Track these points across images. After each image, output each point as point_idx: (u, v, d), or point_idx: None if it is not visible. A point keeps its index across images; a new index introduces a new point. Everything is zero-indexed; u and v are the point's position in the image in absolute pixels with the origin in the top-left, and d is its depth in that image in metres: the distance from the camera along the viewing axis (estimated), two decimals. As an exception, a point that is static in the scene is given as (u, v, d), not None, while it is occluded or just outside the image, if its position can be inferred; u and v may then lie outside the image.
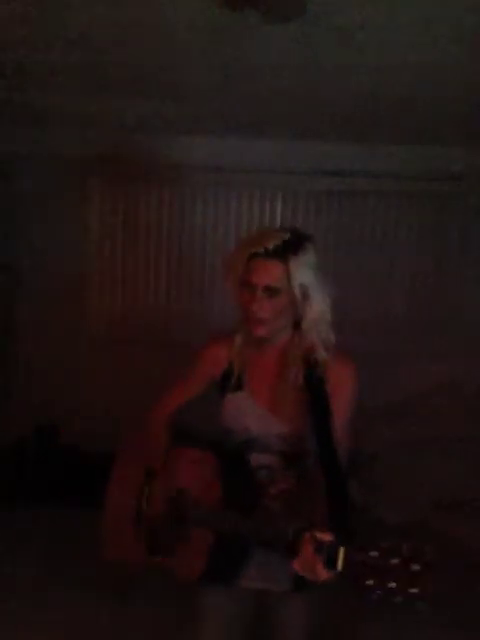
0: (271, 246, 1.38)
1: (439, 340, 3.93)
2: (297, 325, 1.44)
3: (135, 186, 3.87)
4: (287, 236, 1.40)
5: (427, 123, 3.31)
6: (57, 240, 3.86)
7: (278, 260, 1.37)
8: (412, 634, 2.51)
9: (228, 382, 1.46)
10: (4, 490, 3.54)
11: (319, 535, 1.15)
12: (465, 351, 3.90)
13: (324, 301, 1.41)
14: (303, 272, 1.38)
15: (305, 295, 1.38)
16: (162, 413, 1.57)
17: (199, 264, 3.91)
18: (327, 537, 1.15)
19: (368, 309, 3.95)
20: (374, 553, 1.06)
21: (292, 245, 1.39)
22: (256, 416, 1.42)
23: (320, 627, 1.56)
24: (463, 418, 3.75)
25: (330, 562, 1.12)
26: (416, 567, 1.03)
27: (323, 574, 1.13)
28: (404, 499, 3.53)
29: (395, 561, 1.04)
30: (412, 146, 3.74)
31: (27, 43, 2.39)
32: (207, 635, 1.52)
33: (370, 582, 1.05)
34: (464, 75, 2.56)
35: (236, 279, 1.41)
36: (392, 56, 2.37)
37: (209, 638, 1.51)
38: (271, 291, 1.37)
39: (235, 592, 1.46)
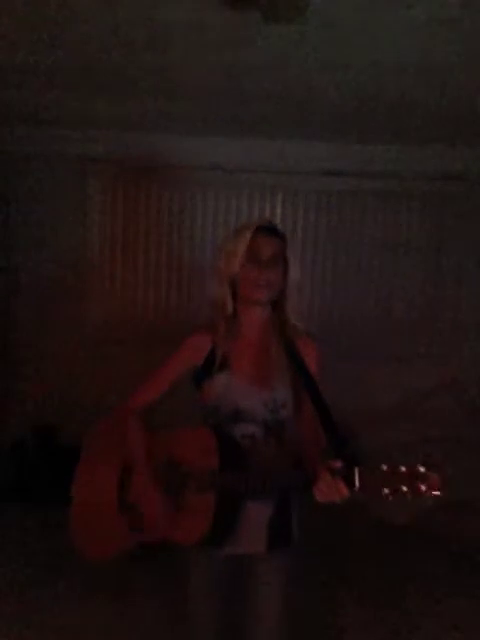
0: (274, 226, 1.65)
1: (439, 340, 3.93)
2: (274, 305, 1.65)
3: (135, 186, 3.87)
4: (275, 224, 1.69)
5: (427, 123, 3.31)
6: (57, 240, 3.87)
7: (278, 237, 1.63)
8: (411, 634, 2.51)
9: (212, 365, 1.61)
10: (3, 490, 3.54)
11: (332, 463, 1.36)
12: (465, 352, 3.91)
13: (296, 275, 1.64)
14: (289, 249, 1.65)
15: (286, 270, 1.62)
16: (142, 400, 1.69)
17: (199, 264, 3.91)
18: (338, 463, 1.36)
19: (368, 309, 3.95)
20: (384, 467, 1.28)
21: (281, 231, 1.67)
22: (242, 389, 1.59)
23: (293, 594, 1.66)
24: (463, 418, 3.76)
25: (348, 483, 1.32)
26: (422, 468, 1.27)
27: (344, 492, 1.32)
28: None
29: (403, 469, 1.27)
30: (412, 146, 3.74)
31: (27, 43, 2.40)
32: (195, 606, 1.66)
33: (386, 491, 1.27)
34: (464, 75, 2.56)
35: (241, 257, 1.59)
36: (392, 56, 2.37)
37: (197, 608, 1.66)
38: (275, 260, 1.59)
39: (216, 561, 1.61)
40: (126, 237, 3.91)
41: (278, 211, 3.90)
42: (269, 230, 1.63)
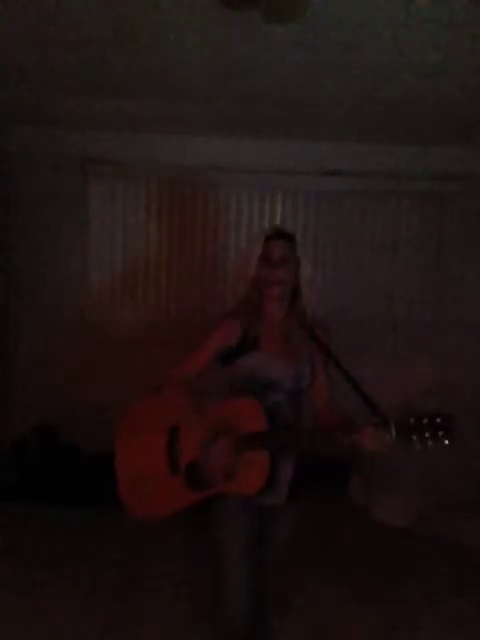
0: (281, 231, 1.95)
1: (439, 340, 3.93)
2: (292, 297, 1.93)
3: (135, 186, 3.87)
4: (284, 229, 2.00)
5: (427, 123, 3.31)
6: (57, 240, 3.87)
7: (286, 240, 1.91)
8: (411, 634, 2.51)
9: (244, 346, 1.89)
10: (3, 490, 3.54)
11: (372, 420, 1.67)
12: (465, 352, 3.91)
13: (307, 272, 1.95)
14: (298, 249, 1.94)
15: (298, 266, 1.92)
16: (182, 372, 1.91)
17: (199, 263, 3.92)
18: (376, 420, 1.67)
19: (368, 309, 3.95)
20: (411, 420, 1.61)
21: (289, 233, 1.98)
22: (274, 365, 1.88)
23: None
24: (463, 418, 3.75)
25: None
26: (439, 420, 1.61)
27: (389, 441, 1.63)
28: (406, 500, 3.53)
29: (425, 420, 1.61)
30: (412, 146, 3.74)
31: (27, 43, 2.40)
32: (230, 553, 1.80)
33: (414, 437, 1.60)
34: (463, 75, 2.56)
35: (256, 260, 1.90)
36: (392, 56, 2.37)
37: (232, 556, 1.79)
38: (284, 260, 1.88)
39: (249, 511, 1.80)
40: (126, 237, 3.91)
41: (278, 211, 3.90)
42: (278, 235, 1.93)
